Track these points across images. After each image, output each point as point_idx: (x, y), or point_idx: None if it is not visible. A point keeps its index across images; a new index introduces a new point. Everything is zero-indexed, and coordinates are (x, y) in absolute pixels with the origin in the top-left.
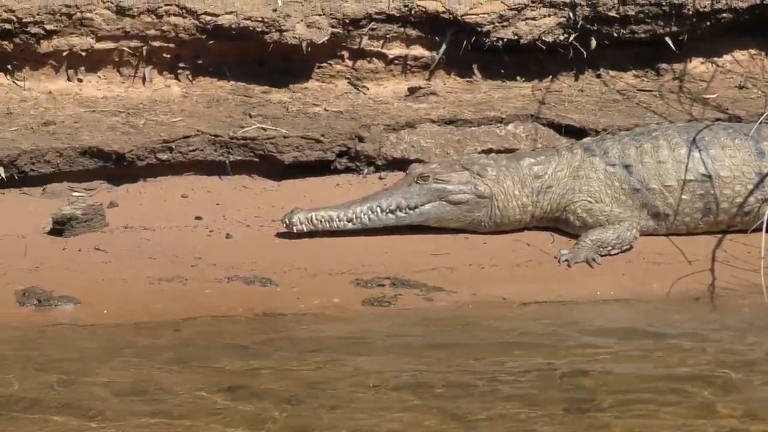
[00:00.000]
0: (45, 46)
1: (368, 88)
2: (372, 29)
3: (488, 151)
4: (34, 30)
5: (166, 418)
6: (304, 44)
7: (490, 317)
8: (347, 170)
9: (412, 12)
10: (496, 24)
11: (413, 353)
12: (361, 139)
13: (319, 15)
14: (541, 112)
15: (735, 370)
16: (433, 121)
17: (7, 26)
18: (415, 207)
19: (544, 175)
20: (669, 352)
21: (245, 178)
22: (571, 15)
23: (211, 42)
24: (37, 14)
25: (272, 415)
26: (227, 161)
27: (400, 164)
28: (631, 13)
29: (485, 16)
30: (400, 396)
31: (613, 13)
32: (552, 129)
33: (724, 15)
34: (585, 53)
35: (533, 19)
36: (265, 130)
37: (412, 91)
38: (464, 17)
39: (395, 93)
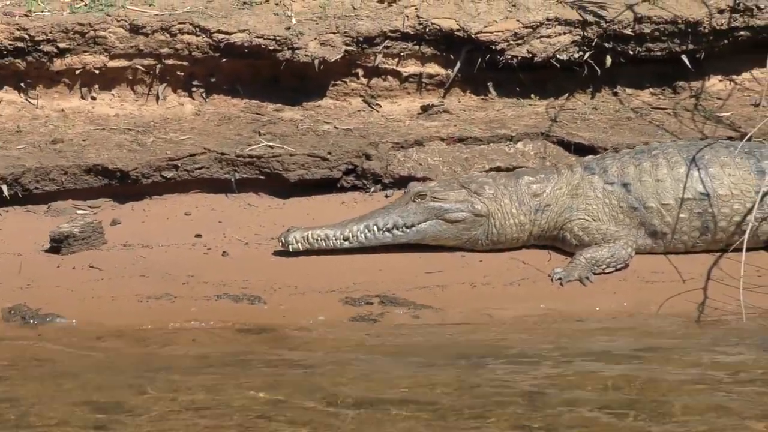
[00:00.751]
0: (58, 64)
1: (381, 106)
2: (387, 47)
3: (496, 169)
4: (46, 48)
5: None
6: (316, 62)
7: (464, 336)
8: (354, 188)
9: (427, 30)
10: (511, 42)
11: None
12: (368, 157)
13: (333, 33)
14: (552, 130)
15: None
16: (442, 139)
17: (20, 44)
18: (412, 225)
19: (542, 193)
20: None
21: (251, 196)
22: (586, 33)
23: (224, 60)
24: (50, 32)
25: None
26: (233, 179)
27: (407, 182)
28: (647, 31)
29: (499, 33)
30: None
31: (628, 31)
32: (561, 147)
33: (742, 33)
34: (601, 71)
35: (548, 37)
36: (272, 148)
37: (425, 109)
38: (478, 35)
39: (408, 111)
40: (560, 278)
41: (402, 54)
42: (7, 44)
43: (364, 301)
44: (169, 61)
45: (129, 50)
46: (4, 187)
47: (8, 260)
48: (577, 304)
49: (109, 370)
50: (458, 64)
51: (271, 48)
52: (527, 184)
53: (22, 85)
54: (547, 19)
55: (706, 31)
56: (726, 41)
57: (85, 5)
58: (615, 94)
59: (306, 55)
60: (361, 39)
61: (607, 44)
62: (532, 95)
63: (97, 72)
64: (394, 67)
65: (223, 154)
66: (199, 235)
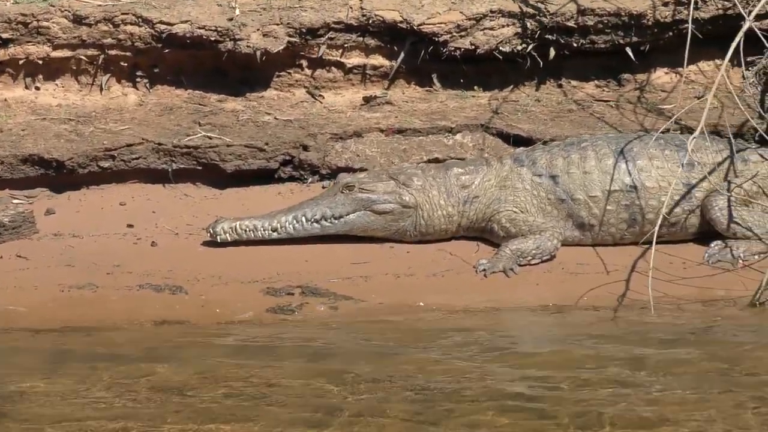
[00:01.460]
0: (1, 55)
1: (323, 97)
2: (330, 38)
3: (435, 161)
4: None
5: None
6: (258, 53)
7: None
8: (292, 179)
9: (371, 22)
10: (454, 34)
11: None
12: (305, 148)
13: (277, 24)
14: (493, 121)
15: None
16: (381, 131)
17: None
18: (340, 216)
19: (471, 185)
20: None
21: (189, 187)
22: (529, 25)
23: (167, 51)
24: None
25: None
26: (169, 169)
27: (345, 172)
28: (590, 23)
29: (442, 25)
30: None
31: (571, 24)
32: (501, 139)
33: (686, 25)
34: (546, 63)
35: (491, 29)
36: (210, 138)
37: (367, 100)
38: (421, 27)
39: (351, 102)
40: (484, 269)
41: (346, 46)
42: None
43: (285, 292)
44: (113, 52)
45: (72, 41)
46: None
47: None
48: (497, 294)
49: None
50: (401, 56)
51: (213, 39)
52: (456, 176)
53: None
54: (491, 12)
55: (650, 23)
56: (671, 34)
57: None
58: (560, 86)
59: (248, 47)
60: (304, 30)
61: (550, 36)
62: (476, 87)
63: (40, 62)
64: (338, 59)
65: (160, 144)
66: (130, 225)
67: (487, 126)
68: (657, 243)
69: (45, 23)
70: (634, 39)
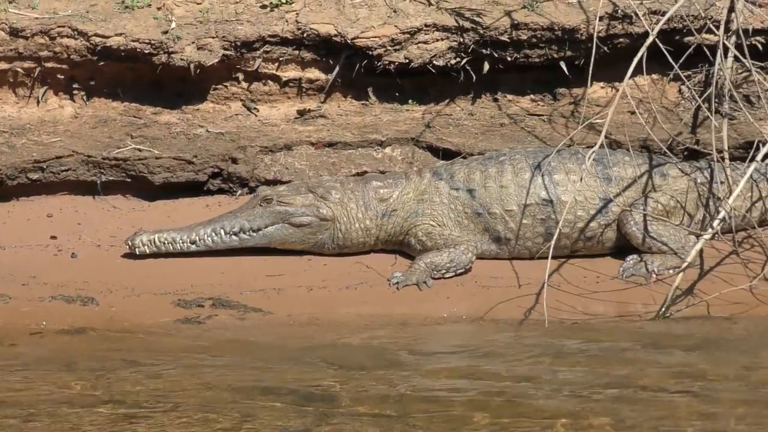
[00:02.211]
0: None
1: (258, 110)
2: (266, 52)
3: (362, 174)
4: None
5: None
6: (192, 66)
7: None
8: (221, 191)
9: (305, 35)
10: (388, 47)
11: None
12: (234, 161)
13: (212, 38)
14: (424, 135)
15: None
16: (311, 144)
17: None
18: (259, 229)
19: (389, 198)
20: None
21: (118, 199)
22: (463, 39)
23: (103, 63)
24: None
25: None
26: (98, 181)
27: (274, 186)
28: (524, 37)
29: (376, 39)
30: None
31: (505, 38)
32: (430, 152)
33: (621, 40)
34: (483, 77)
35: (425, 43)
36: (140, 151)
37: (301, 113)
38: (355, 41)
39: (286, 115)
40: (397, 282)
41: (282, 59)
42: None
43: (196, 304)
44: (49, 64)
45: (9, 53)
46: None
47: None
48: (406, 308)
49: None
50: (336, 70)
51: (147, 52)
52: (375, 189)
53: None
54: (425, 25)
55: (583, 38)
56: (606, 48)
57: None
58: (495, 100)
59: (182, 59)
60: (239, 44)
61: (484, 50)
62: (410, 101)
63: None
64: (274, 72)
65: (89, 156)
66: (54, 237)
67: (418, 140)
68: (575, 257)
69: None
70: (568, 53)
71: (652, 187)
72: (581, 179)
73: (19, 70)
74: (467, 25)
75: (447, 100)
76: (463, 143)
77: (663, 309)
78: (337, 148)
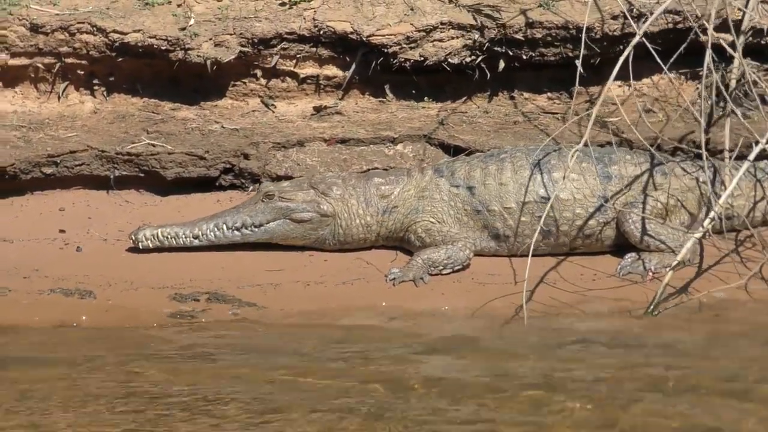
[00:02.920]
0: None
1: (276, 107)
2: (284, 49)
3: (384, 170)
4: None
5: None
6: (209, 63)
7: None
8: (233, 187)
9: (322, 33)
10: (403, 45)
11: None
12: (246, 157)
13: (230, 34)
14: (436, 132)
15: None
16: (324, 140)
17: None
18: (260, 225)
19: (390, 195)
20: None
21: (132, 193)
22: (479, 37)
23: (122, 59)
24: None
25: None
26: (111, 176)
27: (268, 182)
28: (539, 36)
29: (392, 37)
30: None
31: (519, 36)
32: (442, 149)
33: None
34: (499, 75)
35: (440, 40)
36: (154, 146)
37: (317, 110)
38: (371, 38)
39: (303, 112)
40: (394, 278)
41: (299, 56)
42: None
43: (192, 298)
44: (69, 60)
45: (29, 49)
46: None
47: None
48: (399, 303)
49: None
50: (353, 67)
51: (164, 48)
52: (376, 186)
53: None
54: (441, 23)
55: (598, 36)
56: (621, 47)
57: None
58: (512, 98)
59: (198, 56)
60: (256, 41)
61: (499, 48)
62: (426, 98)
63: None
64: (292, 69)
65: (103, 151)
66: (62, 231)
67: (430, 137)
68: (575, 254)
69: (2, 31)
70: (584, 52)
71: (653, 186)
72: (564, 177)
73: (40, 65)
74: (482, 23)
75: (464, 98)
76: (475, 140)
77: (652, 307)
78: (349, 144)
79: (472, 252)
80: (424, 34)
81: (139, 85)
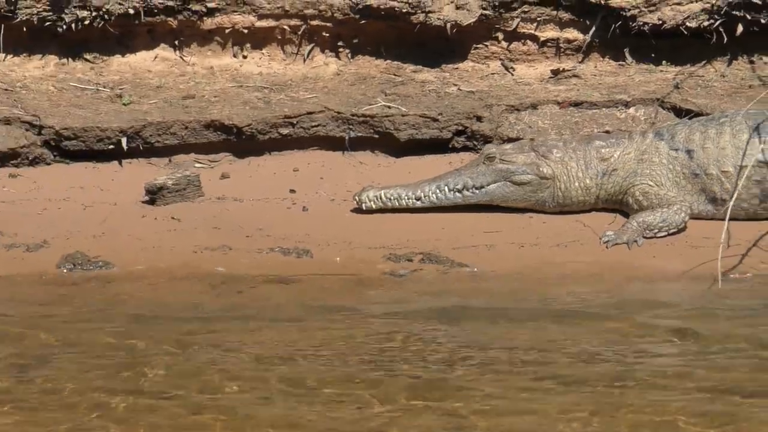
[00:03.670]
0: (208, 24)
1: (515, 69)
2: (524, 12)
3: (606, 133)
4: (195, 7)
5: None
6: (448, 26)
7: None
8: (465, 149)
9: None
10: (642, 9)
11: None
12: (479, 119)
13: None
14: (670, 96)
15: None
16: (557, 103)
17: (170, 3)
18: (481, 187)
19: (610, 158)
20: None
21: (367, 155)
22: (717, 1)
23: (365, 22)
24: None
25: None
26: (347, 137)
27: (491, 144)
28: None
29: (630, 0)
30: None
31: (758, 0)
32: (674, 113)
33: None
34: (739, 39)
35: (679, 4)
36: (389, 107)
37: (555, 73)
38: (609, 1)
39: (542, 75)
40: (608, 240)
41: (539, 19)
42: (158, 2)
43: (406, 258)
44: (314, 22)
45: (276, 11)
46: (123, 140)
47: (100, 209)
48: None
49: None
50: (592, 30)
51: (405, 11)
52: (597, 149)
53: (176, 43)
54: None
55: None
56: None
57: None
58: (751, 62)
59: (439, 19)
60: (497, 3)
61: (737, 12)
62: (665, 62)
63: (245, 31)
64: (533, 32)
65: (339, 113)
66: (293, 191)
67: (663, 100)
68: None
69: None
70: None
71: None
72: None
73: (286, 27)
74: None
75: (703, 62)
76: (706, 104)
77: None
78: (582, 107)
79: (688, 215)
80: None
81: (383, 47)
